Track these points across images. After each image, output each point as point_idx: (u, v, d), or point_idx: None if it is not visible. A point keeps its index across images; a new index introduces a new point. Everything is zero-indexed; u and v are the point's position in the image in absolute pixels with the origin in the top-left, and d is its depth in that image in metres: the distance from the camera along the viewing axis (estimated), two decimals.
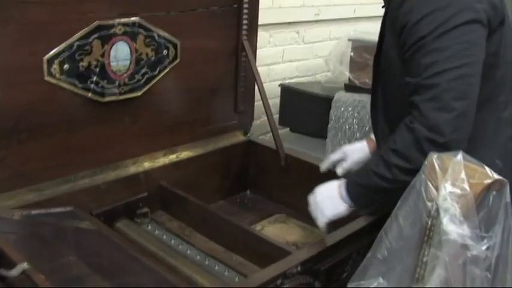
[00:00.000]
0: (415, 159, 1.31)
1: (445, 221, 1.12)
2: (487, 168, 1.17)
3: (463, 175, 1.11)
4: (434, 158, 1.18)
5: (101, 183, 1.84)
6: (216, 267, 1.71)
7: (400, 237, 1.23)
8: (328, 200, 1.54)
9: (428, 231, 1.17)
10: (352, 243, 1.62)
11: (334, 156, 1.79)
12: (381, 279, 1.22)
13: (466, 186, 1.12)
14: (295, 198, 2.01)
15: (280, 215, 2.08)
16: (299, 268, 1.47)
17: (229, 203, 2.19)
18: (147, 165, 1.97)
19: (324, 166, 1.83)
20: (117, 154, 1.92)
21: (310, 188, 1.91)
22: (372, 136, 1.75)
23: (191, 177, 2.06)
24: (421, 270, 1.19)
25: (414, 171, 1.26)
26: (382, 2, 1.63)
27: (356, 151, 1.77)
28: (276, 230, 1.96)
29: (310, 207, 1.58)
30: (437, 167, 1.16)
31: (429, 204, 1.16)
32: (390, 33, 1.47)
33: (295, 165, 2.09)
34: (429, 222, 1.17)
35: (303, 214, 1.90)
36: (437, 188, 1.15)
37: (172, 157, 2.04)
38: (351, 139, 2.40)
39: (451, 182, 1.11)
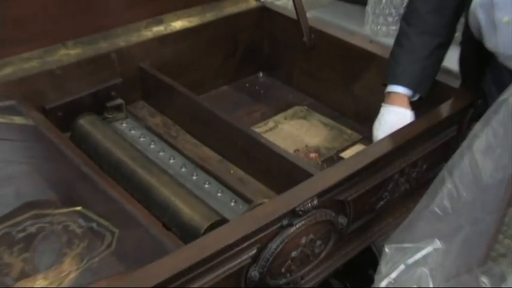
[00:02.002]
0: None
1: None
2: None
3: None
4: None
5: (55, 66, 1.45)
6: (207, 185, 1.38)
7: (474, 185, 0.86)
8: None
9: None
10: (397, 159, 1.27)
11: None
12: (437, 243, 0.84)
13: None
14: (320, 85, 1.80)
15: (300, 108, 1.79)
16: (315, 202, 1.10)
17: (236, 89, 1.88)
18: (122, 40, 1.59)
19: None
20: (79, 26, 1.50)
21: (340, 72, 1.72)
22: (399, 89, 1.38)
23: (184, 56, 1.72)
24: (506, 241, 0.76)
25: None
26: None
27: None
28: (294, 128, 1.70)
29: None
30: None
31: None
32: None
33: (321, 41, 1.75)
34: None
35: (329, 107, 1.77)
36: None
37: (159, 29, 1.67)
38: (399, 8, 1.91)
39: None
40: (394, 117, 1.38)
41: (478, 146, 0.86)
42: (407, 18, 1.39)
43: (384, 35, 2.09)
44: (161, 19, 1.67)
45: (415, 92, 1.40)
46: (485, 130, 0.85)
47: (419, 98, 1.41)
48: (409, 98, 1.40)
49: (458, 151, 0.92)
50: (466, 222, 0.86)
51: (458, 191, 0.86)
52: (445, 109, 1.39)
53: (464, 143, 0.92)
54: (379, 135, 1.37)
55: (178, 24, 1.70)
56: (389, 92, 1.40)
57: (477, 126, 0.91)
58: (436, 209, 0.89)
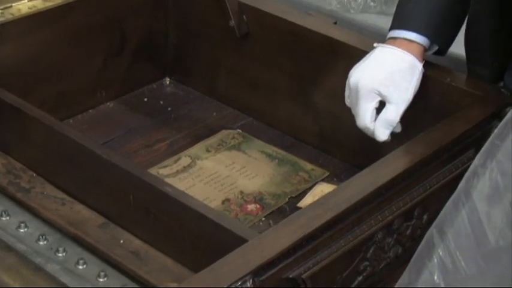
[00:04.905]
0: None
1: None
2: None
3: None
4: None
5: None
6: (81, 267, 1.41)
7: (477, 250, 0.93)
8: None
9: None
10: (380, 208, 1.34)
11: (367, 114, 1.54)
12: None
13: None
14: (260, 94, 1.91)
15: (230, 132, 1.89)
16: (249, 283, 1.15)
17: (127, 107, 1.98)
18: None
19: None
20: None
21: (290, 72, 1.82)
22: (403, 34, 1.54)
23: (37, 56, 1.80)
24: None
25: None
26: None
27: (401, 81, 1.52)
28: (222, 165, 1.78)
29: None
30: None
31: None
32: None
33: (259, 26, 1.86)
34: None
35: (276, 128, 1.89)
36: None
37: None
38: None
39: None
40: (392, 57, 1.49)
41: (480, 190, 0.92)
42: None
43: (359, 10, 2.15)
44: None
45: (431, 41, 1.52)
46: (489, 165, 0.92)
47: (436, 54, 1.55)
48: (424, 48, 1.52)
49: (452, 199, 0.98)
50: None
51: (455, 260, 0.91)
52: (453, 124, 1.46)
53: (460, 186, 0.97)
54: (353, 74, 1.49)
55: (24, 6, 1.80)
56: (394, 38, 1.52)
57: (478, 159, 0.97)
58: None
